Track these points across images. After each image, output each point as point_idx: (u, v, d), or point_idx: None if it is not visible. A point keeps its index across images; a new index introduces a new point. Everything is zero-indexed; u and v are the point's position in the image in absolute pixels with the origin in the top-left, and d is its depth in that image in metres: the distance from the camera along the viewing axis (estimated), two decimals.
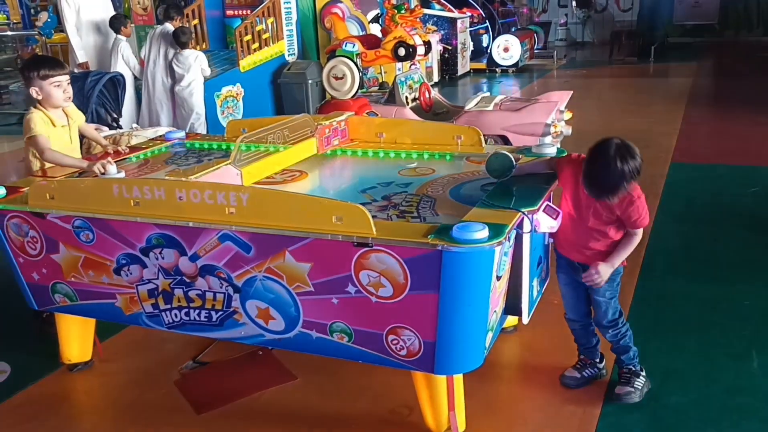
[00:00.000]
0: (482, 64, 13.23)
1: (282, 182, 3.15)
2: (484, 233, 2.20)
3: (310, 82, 8.30)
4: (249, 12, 8.79)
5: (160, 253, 2.70)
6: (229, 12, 9.36)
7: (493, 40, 13.20)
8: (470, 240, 2.18)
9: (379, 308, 2.39)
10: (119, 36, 7.52)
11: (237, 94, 7.96)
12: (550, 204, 2.70)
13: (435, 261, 2.23)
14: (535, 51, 14.43)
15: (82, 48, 7.83)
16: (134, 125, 5.72)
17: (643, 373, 2.84)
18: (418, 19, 8.68)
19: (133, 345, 3.49)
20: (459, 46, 12.45)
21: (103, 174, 3.02)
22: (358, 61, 6.96)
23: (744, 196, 5.41)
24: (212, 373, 3.20)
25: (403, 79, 5.73)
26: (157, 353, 3.40)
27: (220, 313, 2.71)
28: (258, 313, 2.63)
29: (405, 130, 3.63)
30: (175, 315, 2.81)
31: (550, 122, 5.01)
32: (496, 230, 2.24)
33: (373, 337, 2.47)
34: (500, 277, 2.49)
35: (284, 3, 8.61)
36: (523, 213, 2.45)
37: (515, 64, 12.97)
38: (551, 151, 3.20)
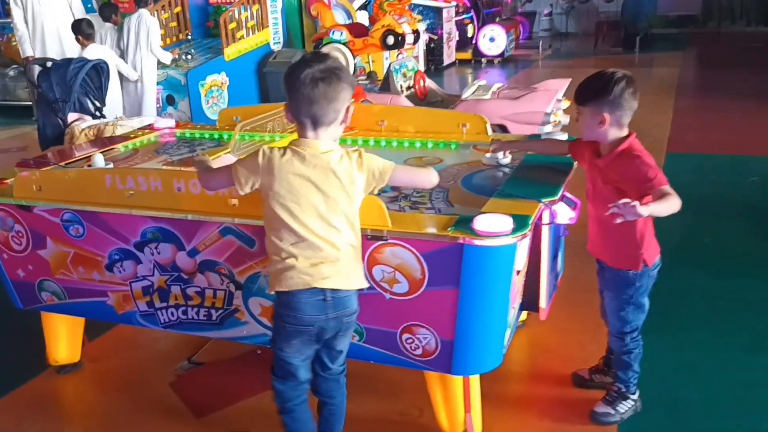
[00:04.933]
0: (468, 54, 13.09)
1: None
2: (507, 225, 2.07)
3: None
4: None
5: (156, 248, 2.54)
6: None
7: (478, 30, 13.07)
8: (493, 232, 2.05)
9: (394, 305, 2.26)
10: (107, 24, 7.23)
11: (222, 83, 7.76)
12: (568, 194, 2.58)
13: (455, 255, 2.10)
14: (520, 42, 14.33)
15: (29, 41, 7.39)
16: (118, 115, 5.51)
17: (634, 397, 2.61)
18: (406, 7, 8.56)
19: (124, 344, 3.32)
20: (445, 36, 12.30)
21: None
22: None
23: (743, 186, 5.35)
24: (209, 373, 3.05)
25: (397, 66, 5.58)
26: (149, 352, 3.25)
27: (221, 311, 2.56)
28: (261, 311, 2.49)
29: (407, 118, 3.48)
30: (172, 314, 2.66)
31: (549, 111, 4.89)
32: (519, 222, 2.11)
33: (386, 336, 2.34)
34: (519, 272, 2.36)
35: None
36: (544, 203, 2.32)
37: (501, 55, 12.85)
38: (562, 139, 3.08)
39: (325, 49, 4.99)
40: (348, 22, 9.18)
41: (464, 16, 13.23)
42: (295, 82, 2.02)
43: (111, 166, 3.04)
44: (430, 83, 5.73)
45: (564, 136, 3.06)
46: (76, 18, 7.12)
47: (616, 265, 2.47)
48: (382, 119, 3.51)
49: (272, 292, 2.14)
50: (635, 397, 2.62)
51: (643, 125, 7.43)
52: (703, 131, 7.26)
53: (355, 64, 5.50)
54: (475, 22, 13.27)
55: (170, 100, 7.52)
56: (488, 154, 2.84)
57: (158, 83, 7.29)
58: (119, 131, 4.63)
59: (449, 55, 12.61)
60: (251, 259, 2.41)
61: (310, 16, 9.12)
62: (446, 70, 12.46)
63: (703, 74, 11.09)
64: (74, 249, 2.68)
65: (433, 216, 2.29)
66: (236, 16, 7.92)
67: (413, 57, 9.97)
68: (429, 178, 2.27)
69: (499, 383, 2.82)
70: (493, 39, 12.82)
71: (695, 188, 5.31)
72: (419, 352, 2.31)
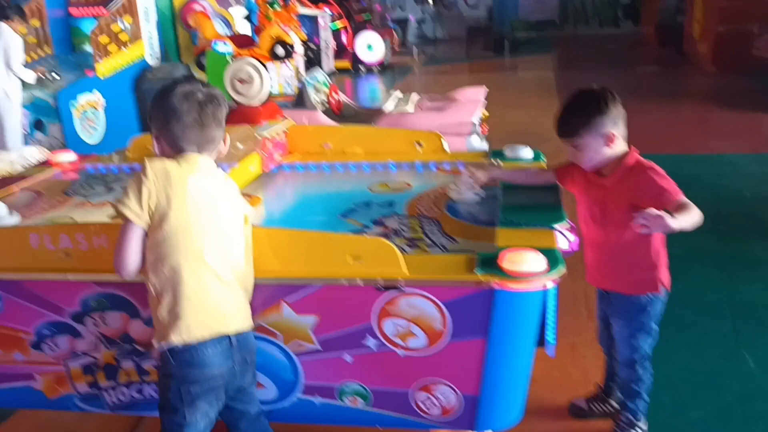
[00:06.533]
0: (346, 63, 12.88)
1: None
2: (541, 264, 1.83)
3: None
4: (99, 10, 7.81)
5: (102, 318, 2.07)
6: (74, 11, 8.28)
7: (353, 38, 12.89)
8: (529, 274, 1.80)
9: (408, 362, 1.95)
10: None
11: (96, 103, 7.01)
12: None
13: (484, 301, 1.82)
14: (396, 49, 14.32)
15: None
16: None
17: (644, 426, 2.47)
18: (293, 16, 8.18)
19: (41, 427, 2.75)
20: (322, 45, 12.00)
21: None
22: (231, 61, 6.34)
23: None
24: None
25: (309, 81, 5.23)
26: None
27: None
28: None
29: (354, 138, 3.17)
30: (122, 393, 2.19)
31: (476, 121, 4.74)
32: (550, 257, 1.87)
33: (397, 397, 2.02)
34: None
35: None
36: (558, 230, 2.10)
37: (380, 62, 12.75)
38: (527, 154, 2.90)
39: (237, 65, 4.54)
40: (228, 33, 8.65)
41: (338, 24, 13.00)
42: (179, 105, 1.77)
43: (17, 216, 2.49)
44: (342, 97, 5.43)
45: (529, 151, 2.89)
46: None
47: (629, 290, 2.31)
48: (325, 141, 3.18)
49: (163, 345, 1.77)
50: (644, 426, 2.47)
51: (541, 128, 7.53)
52: None
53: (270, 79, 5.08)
54: (349, 30, 13.10)
55: (38, 125, 6.69)
56: (462, 188, 2.48)
57: (23, 106, 6.46)
58: None
59: (328, 63, 12.32)
60: None
61: (186, 28, 8.51)
62: None
63: (576, 75, 11.50)
64: None
65: (448, 256, 2.00)
66: (108, 28, 7.20)
67: (294, 67, 9.59)
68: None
69: None
70: (371, 47, 12.68)
71: None
72: (437, 411, 2.02)
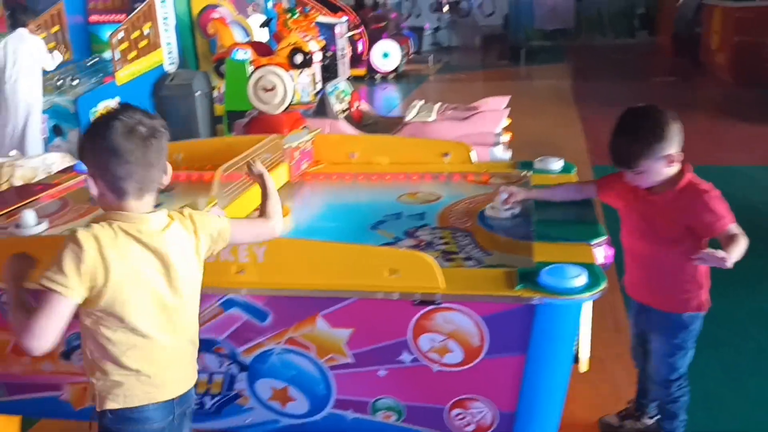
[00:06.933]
0: (361, 71, 12.87)
1: None
2: (582, 279, 1.79)
3: (197, 94, 7.52)
4: (118, 17, 7.85)
5: None
6: (94, 18, 8.33)
7: (369, 46, 12.89)
8: (570, 289, 1.77)
9: (443, 378, 1.92)
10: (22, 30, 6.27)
11: None
12: None
13: (524, 317, 1.79)
14: (410, 57, 14.31)
15: None
16: (13, 152, 4.76)
17: None
18: (312, 25, 8.21)
19: None
20: (339, 53, 12.01)
21: None
22: (251, 69, 6.36)
23: None
24: None
25: (331, 89, 5.23)
26: None
27: (218, 398, 2.11)
28: (273, 394, 2.07)
29: (381, 148, 3.15)
30: None
31: (499, 131, 4.71)
32: (590, 272, 1.84)
33: (431, 413, 1.99)
34: None
35: (161, 6, 7.76)
36: (595, 246, 2.07)
37: (395, 70, 12.74)
38: (557, 165, 2.87)
39: (260, 73, 4.54)
40: (246, 40, 8.68)
41: (355, 31, 13.02)
42: (121, 144, 1.56)
43: (45, 224, 2.48)
44: (364, 105, 5.41)
45: (560, 162, 2.86)
46: None
47: (673, 308, 2.27)
48: (351, 150, 3.16)
49: (99, 409, 1.68)
50: None
51: (557, 137, 7.50)
52: None
53: (293, 88, 5.08)
54: (365, 38, 13.10)
55: (57, 131, 6.72)
56: (499, 205, 2.41)
57: (42, 111, 6.49)
58: (19, 174, 3.98)
59: (344, 71, 12.32)
60: (261, 334, 1.98)
61: (205, 35, 8.56)
62: None
63: (592, 84, 11.45)
64: None
65: (486, 270, 1.97)
66: (128, 35, 7.22)
67: (312, 74, 9.61)
68: (272, 232, 1.92)
69: None
70: (387, 54, 12.68)
71: None
72: (471, 428, 1.98)
